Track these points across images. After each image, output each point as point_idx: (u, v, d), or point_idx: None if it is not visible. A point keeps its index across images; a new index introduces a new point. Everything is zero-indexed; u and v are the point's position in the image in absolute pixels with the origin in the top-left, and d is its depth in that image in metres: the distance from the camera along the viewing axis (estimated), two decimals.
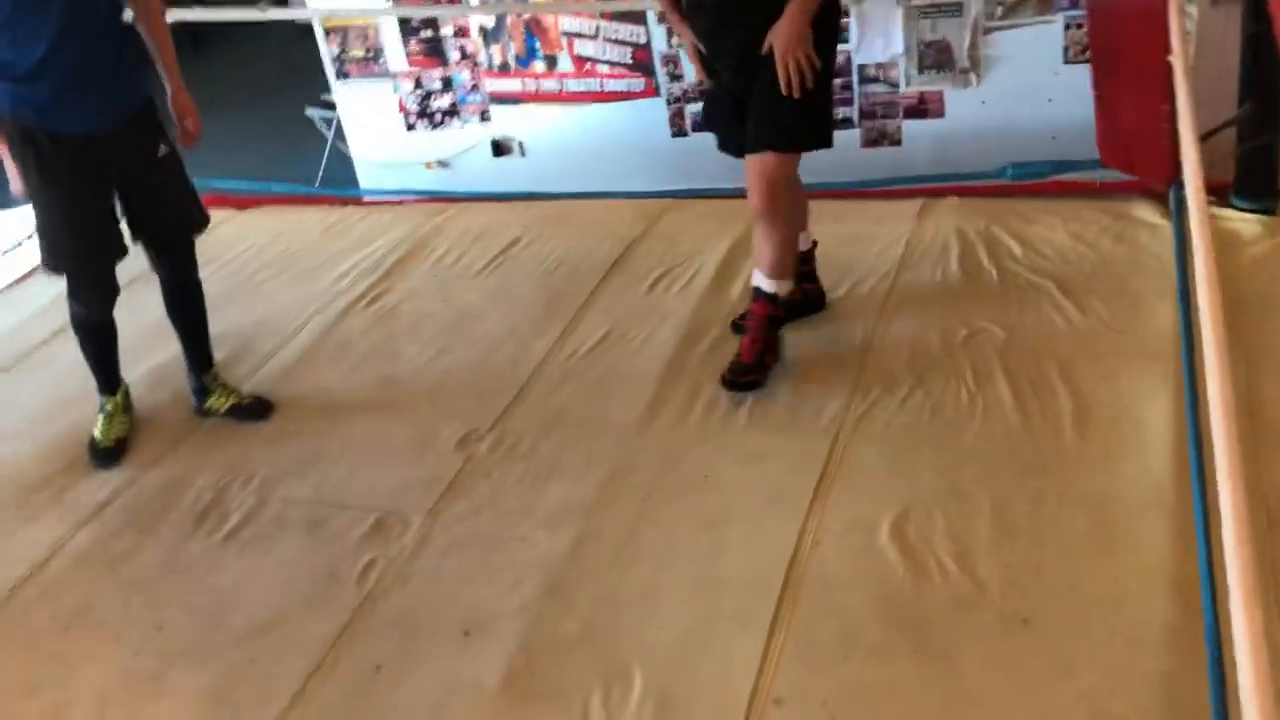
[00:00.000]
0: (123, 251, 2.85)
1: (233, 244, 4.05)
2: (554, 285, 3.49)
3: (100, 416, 2.99)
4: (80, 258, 2.80)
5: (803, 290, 3.04)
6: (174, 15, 5.12)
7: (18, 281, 4.02)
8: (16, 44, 2.55)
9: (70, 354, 3.17)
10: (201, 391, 3.06)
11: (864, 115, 4.22)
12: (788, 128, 2.63)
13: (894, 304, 3.14)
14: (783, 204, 2.73)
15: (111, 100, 2.68)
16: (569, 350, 3.14)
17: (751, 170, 2.69)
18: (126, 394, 3.06)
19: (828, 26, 2.61)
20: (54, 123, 2.62)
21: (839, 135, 2.69)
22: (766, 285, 2.82)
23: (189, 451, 2.96)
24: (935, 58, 4.08)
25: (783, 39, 2.52)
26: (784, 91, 2.55)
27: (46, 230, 2.78)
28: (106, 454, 2.93)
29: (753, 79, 2.62)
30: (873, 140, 4.27)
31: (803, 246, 3.02)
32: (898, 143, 4.23)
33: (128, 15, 2.77)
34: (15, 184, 2.72)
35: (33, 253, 4.06)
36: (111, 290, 2.87)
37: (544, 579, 2.37)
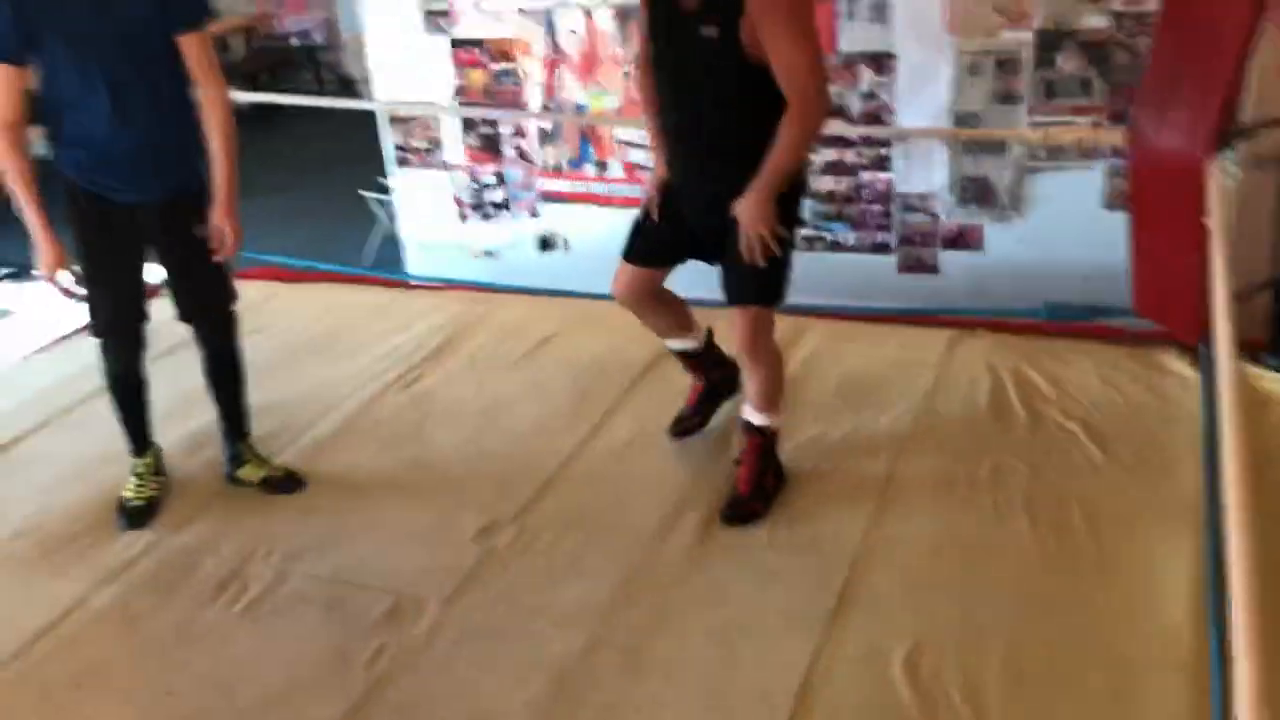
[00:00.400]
0: (146, 316, 2.96)
1: (280, 317, 4.15)
2: (585, 383, 3.55)
3: (132, 477, 3.05)
4: (110, 319, 2.90)
5: (717, 375, 3.16)
6: (248, 96, 5.33)
7: (67, 337, 4.13)
8: (81, 120, 2.67)
9: (110, 413, 3.25)
10: (234, 459, 3.12)
11: (902, 241, 4.30)
12: (765, 286, 2.73)
13: (920, 433, 3.17)
14: (762, 346, 2.82)
15: (162, 180, 2.80)
16: (595, 449, 3.18)
17: (735, 318, 2.78)
18: (158, 456, 3.12)
19: (792, 196, 2.70)
20: (103, 190, 2.74)
21: (877, 259, 2.78)
22: (757, 419, 2.89)
23: (216, 518, 3.00)
24: (976, 192, 4.17)
25: (748, 215, 2.60)
26: (746, 261, 2.64)
27: (85, 289, 2.88)
28: (135, 514, 2.98)
29: (717, 226, 2.70)
30: (909, 267, 4.34)
31: (693, 345, 3.12)
32: (934, 271, 4.30)
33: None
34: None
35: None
36: (136, 344, 2.96)
37: (553, 679, 2.38)
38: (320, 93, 9.19)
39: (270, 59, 9.72)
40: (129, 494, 3.02)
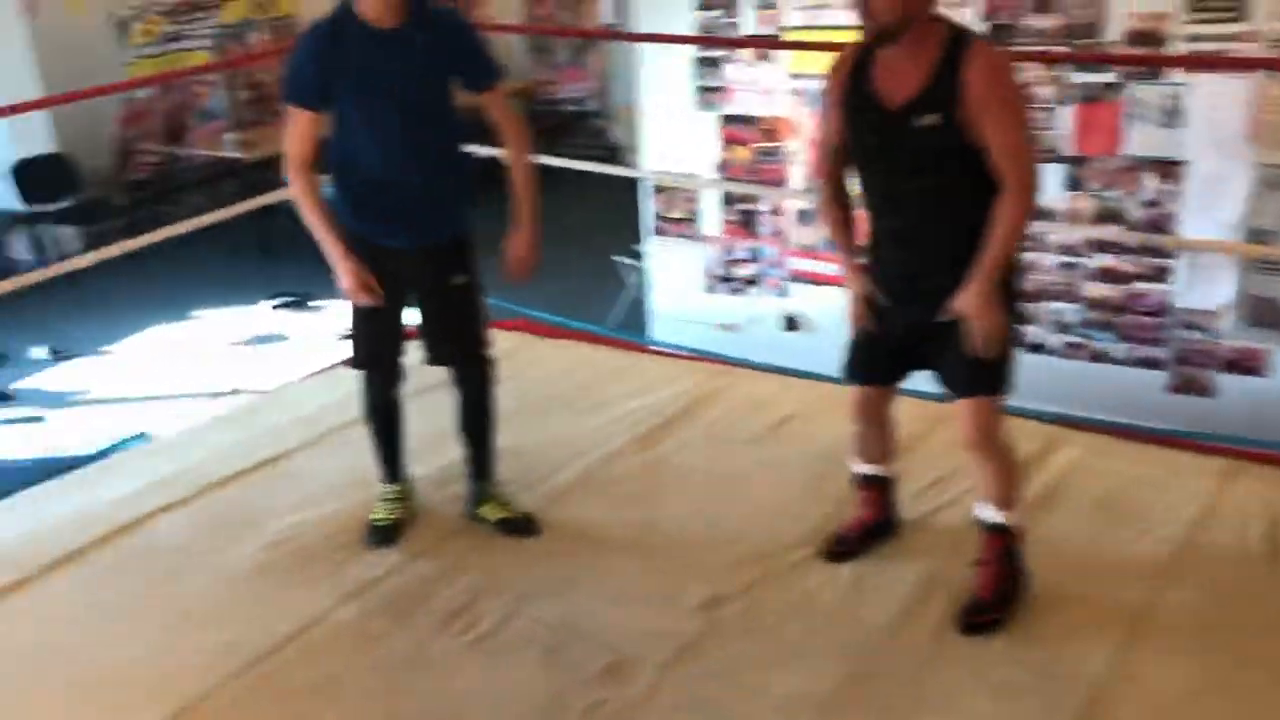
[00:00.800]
0: (404, 352, 3.12)
1: (529, 367, 4.30)
2: (824, 469, 3.48)
3: (382, 501, 3.21)
4: (372, 353, 3.08)
5: (884, 516, 3.08)
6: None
7: (337, 365, 4.42)
8: (363, 167, 2.85)
9: (368, 439, 3.45)
10: (476, 497, 3.24)
11: (1177, 359, 4.05)
12: (994, 376, 2.63)
13: (1181, 566, 2.94)
14: (995, 439, 2.70)
15: (428, 228, 2.97)
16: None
17: (962, 412, 2.68)
18: (408, 485, 3.28)
19: (1012, 281, 2.60)
20: (377, 235, 2.92)
21: (1144, 375, 2.62)
22: (997, 517, 2.75)
23: (454, 551, 3.11)
24: (1265, 314, 3.88)
25: (975, 307, 2.53)
26: (977, 356, 2.56)
27: (353, 327, 3.07)
28: (383, 533, 3.13)
29: (935, 325, 2.63)
30: (1181, 387, 4.08)
31: (887, 475, 3.06)
32: (1209, 394, 4.02)
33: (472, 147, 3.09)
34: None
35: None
36: (395, 377, 3.12)
37: None
38: (588, 158, 9.57)
39: (545, 122, 10.22)
40: (378, 515, 3.18)
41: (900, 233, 2.66)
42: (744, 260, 5.30)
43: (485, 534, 3.19)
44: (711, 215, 5.32)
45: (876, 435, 3.00)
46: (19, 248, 7.71)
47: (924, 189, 2.57)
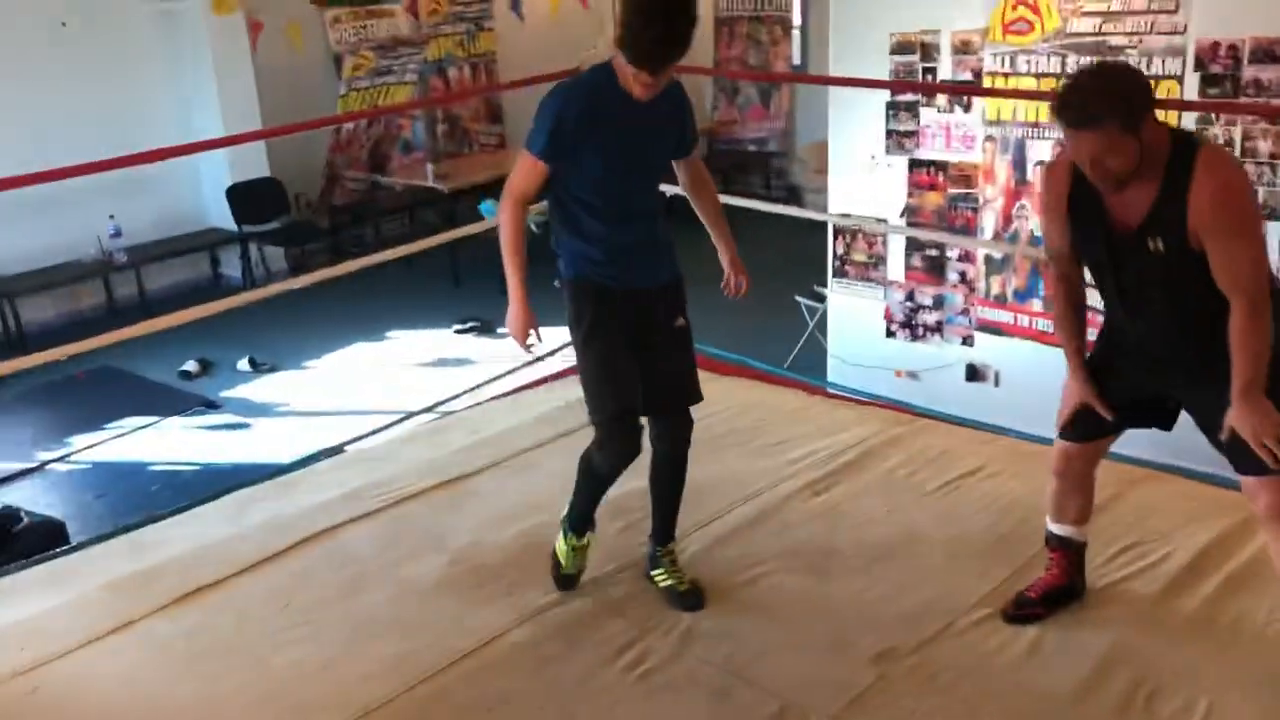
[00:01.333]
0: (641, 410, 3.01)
1: (709, 404, 4.25)
2: (1007, 526, 3.38)
3: (567, 548, 3.13)
4: (611, 407, 2.94)
5: (1072, 580, 2.96)
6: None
7: (525, 388, 4.55)
8: (594, 219, 2.92)
9: (552, 464, 3.53)
10: (654, 560, 3.17)
11: None
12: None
13: None
14: None
15: (656, 268, 3.02)
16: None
17: (1255, 490, 2.53)
18: (595, 535, 3.19)
19: (1274, 383, 2.43)
20: (614, 277, 2.94)
21: None
22: None
23: (626, 583, 3.15)
24: None
25: (1251, 425, 2.40)
26: (1272, 466, 2.42)
27: (590, 380, 2.99)
28: (567, 581, 3.14)
29: (1192, 394, 2.57)
30: None
31: (1081, 539, 2.95)
32: None
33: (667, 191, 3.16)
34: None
35: (541, 367, 4.62)
36: (633, 449, 2.96)
37: None
38: (768, 198, 9.59)
39: (728, 161, 10.32)
40: (564, 563, 3.13)
41: (1137, 328, 2.61)
42: (928, 308, 5.21)
43: None
44: (896, 260, 5.25)
45: (1076, 495, 2.90)
46: (230, 264, 8.25)
47: (1159, 296, 2.52)
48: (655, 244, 3.02)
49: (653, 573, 3.16)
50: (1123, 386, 2.71)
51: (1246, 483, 2.54)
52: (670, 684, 2.73)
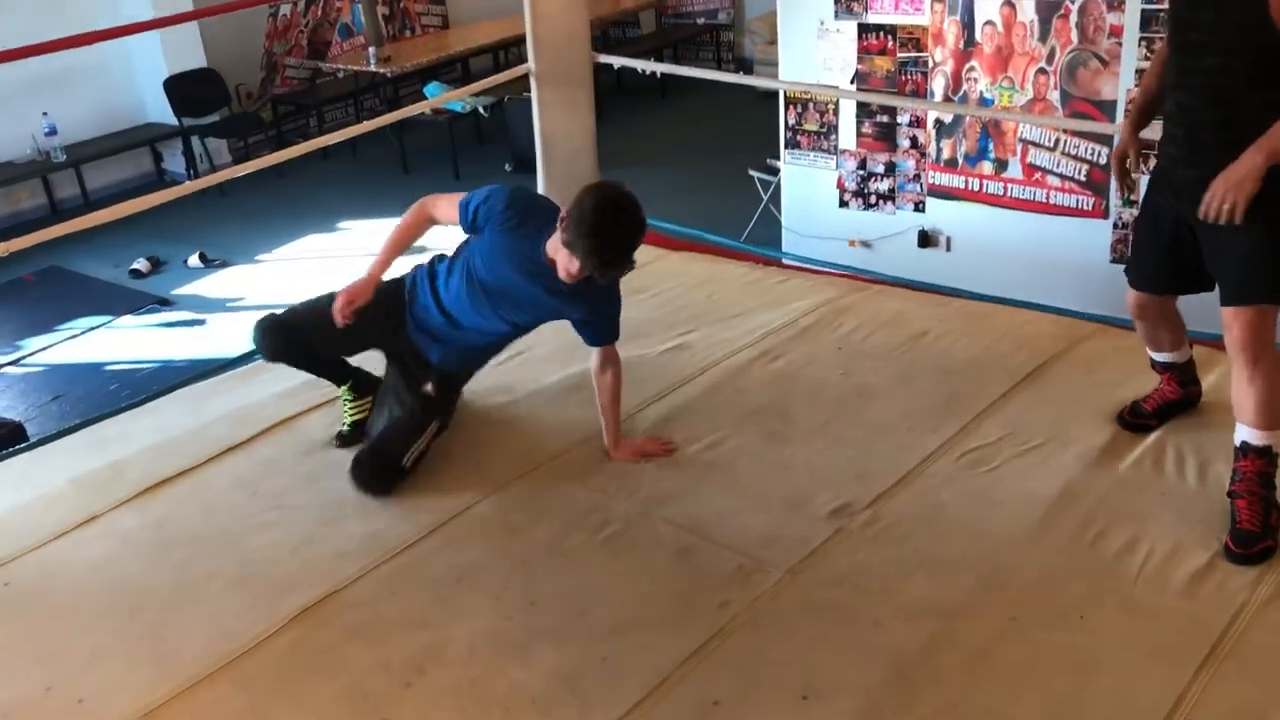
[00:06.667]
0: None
1: (663, 279, 4.34)
2: (957, 384, 3.45)
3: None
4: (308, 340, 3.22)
5: (1185, 392, 3.12)
6: (652, 65, 5.58)
7: None
8: (439, 306, 3.12)
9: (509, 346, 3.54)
10: None
11: None
12: (1267, 281, 2.53)
13: None
14: (1263, 349, 2.57)
15: (442, 361, 3.20)
16: (961, 450, 3.10)
17: (1229, 320, 2.58)
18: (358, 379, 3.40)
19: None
20: (415, 335, 3.19)
21: None
22: (1257, 439, 2.64)
23: (589, 454, 3.19)
24: None
25: (1229, 174, 2.41)
26: (1204, 217, 2.46)
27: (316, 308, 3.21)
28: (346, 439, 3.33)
29: (1206, 230, 2.56)
30: None
31: (1181, 360, 3.08)
32: None
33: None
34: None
35: None
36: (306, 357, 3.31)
37: (891, 668, 2.36)
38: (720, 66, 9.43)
39: (676, 35, 10.13)
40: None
41: (1179, 114, 2.62)
42: (880, 175, 5.21)
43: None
44: (847, 128, 5.23)
45: (1163, 330, 3.01)
46: (173, 160, 8.07)
47: (1212, 69, 2.50)
48: (455, 347, 3.17)
49: None
50: (1160, 234, 2.78)
51: (1225, 313, 2.60)
52: (635, 545, 2.81)
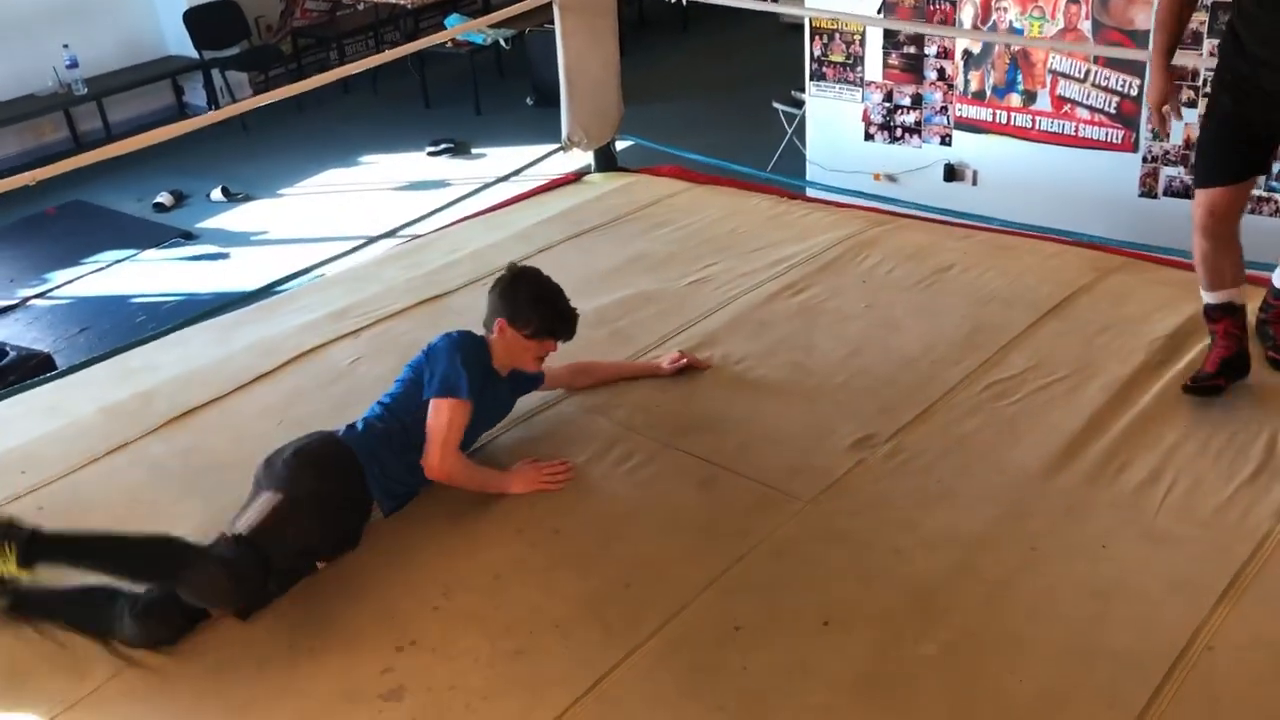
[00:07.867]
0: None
1: (685, 213, 4.31)
2: (983, 316, 3.43)
3: None
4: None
5: (1242, 347, 2.95)
6: None
7: (498, 206, 4.50)
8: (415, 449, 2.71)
9: None
10: None
11: None
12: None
13: None
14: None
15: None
16: (985, 382, 3.09)
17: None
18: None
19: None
20: (384, 494, 2.70)
21: None
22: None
23: (607, 390, 3.18)
24: None
25: None
26: None
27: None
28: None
29: None
30: None
31: (1239, 301, 2.95)
32: None
33: None
34: None
35: (513, 185, 4.55)
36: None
37: (912, 596, 2.38)
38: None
39: None
40: None
41: (1261, 28, 2.65)
42: (906, 108, 5.14)
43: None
44: (874, 60, 5.15)
45: (1228, 253, 2.87)
46: (194, 94, 8.04)
47: None
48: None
49: None
50: (1242, 139, 2.80)
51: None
52: (657, 476, 2.82)
